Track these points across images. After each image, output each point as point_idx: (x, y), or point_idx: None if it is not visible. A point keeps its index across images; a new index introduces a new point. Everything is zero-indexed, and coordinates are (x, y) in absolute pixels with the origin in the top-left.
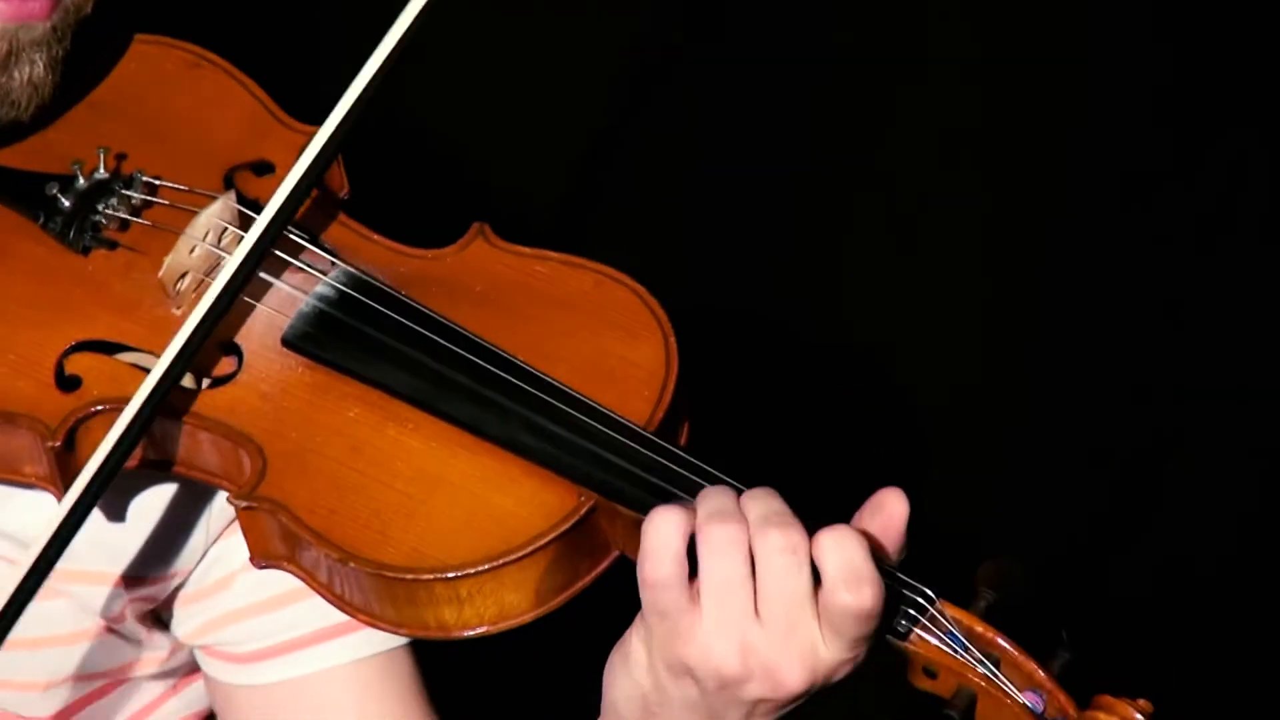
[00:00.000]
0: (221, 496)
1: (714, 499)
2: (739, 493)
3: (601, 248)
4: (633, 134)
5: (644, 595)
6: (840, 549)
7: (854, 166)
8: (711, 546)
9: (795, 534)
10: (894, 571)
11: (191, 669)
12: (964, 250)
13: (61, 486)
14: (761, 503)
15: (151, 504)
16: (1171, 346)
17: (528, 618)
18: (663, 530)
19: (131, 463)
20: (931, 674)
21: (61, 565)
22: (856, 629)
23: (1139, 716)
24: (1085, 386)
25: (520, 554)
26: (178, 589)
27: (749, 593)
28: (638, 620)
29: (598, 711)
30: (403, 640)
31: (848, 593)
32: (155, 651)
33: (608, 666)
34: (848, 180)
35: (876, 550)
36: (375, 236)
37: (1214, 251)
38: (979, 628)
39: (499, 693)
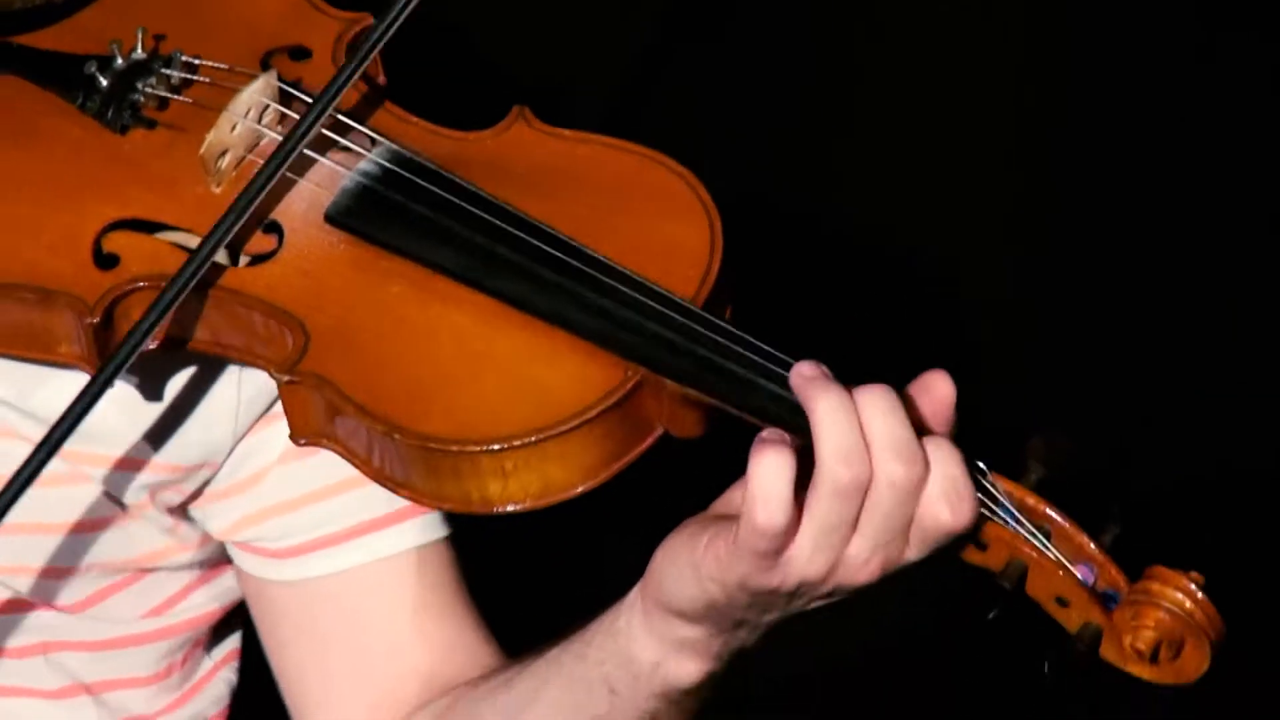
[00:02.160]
0: (251, 388)
1: (840, 426)
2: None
3: (642, 137)
4: (673, 26)
5: (744, 535)
6: (943, 465)
7: (891, 63)
8: (835, 488)
9: (919, 468)
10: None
11: (219, 561)
12: (1007, 131)
13: (98, 365)
14: (886, 422)
15: (180, 392)
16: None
17: (571, 493)
18: (774, 476)
19: (173, 338)
20: (982, 546)
21: (90, 448)
22: (946, 541)
23: (1192, 586)
24: (1136, 263)
25: (566, 427)
26: (205, 484)
27: (855, 520)
28: (718, 538)
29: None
30: (441, 534)
31: (948, 510)
32: (181, 543)
33: (667, 562)
34: (885, 75)
35: (932, 429)
36: (416, 119)
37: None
38: (1030, 500)
39: (533, 584)
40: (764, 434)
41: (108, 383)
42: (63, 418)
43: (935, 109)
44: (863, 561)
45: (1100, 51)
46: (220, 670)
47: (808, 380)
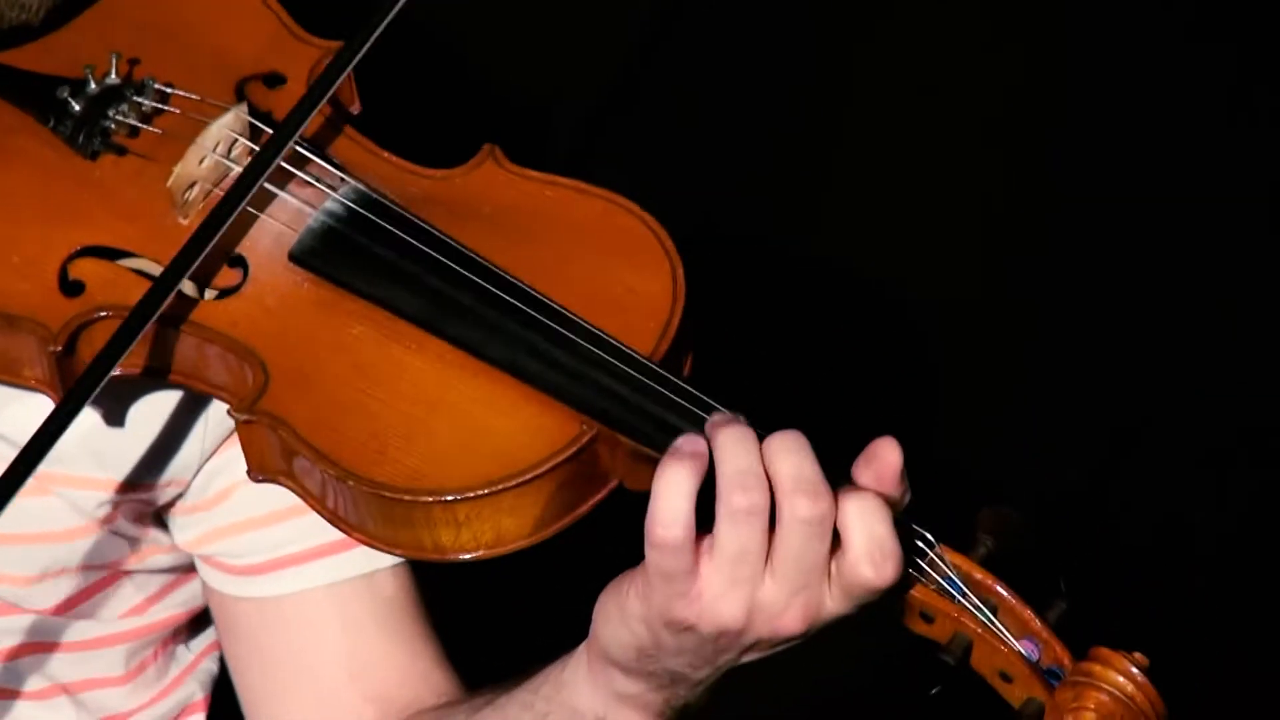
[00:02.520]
0: (219, 408)
1: (738, 455)
2: (759, 436)
3: (610, 176)
4: (644, 61)
5: (649, 555)
6: (866, 521)
7: (856, 90)
8: (732, 514)
9: (824, 503)
10: (896, 517)
11: (189, 568)
12: (969, 180)
13: (60, 391)
14: (791, 459)
15: (146, 412)
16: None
17: (524, 543)
18: (673, 492)
19: (134, 369)
20: (928, 619)
21: (51, 469)
22: (869, 597)
23: (1134, 670)
24: (1090, 337)
25: (519, 480)
26: (176, 499)
27: (763, 556)
28: (637, 574)
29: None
30: (399, 560)
31: (871, 568)
32: (151, 549)
33: (600, 610)
34: (852, 105)
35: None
36: (385, 154)
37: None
38: (978, 574)
39: (496, 609)
40: (676, 443)
41: (72, 414)
42: (26, 449)
43: (911, 155)
44: (782, 607)
45: (1091, 45)
46: (201, 661)
47: (715, 423)
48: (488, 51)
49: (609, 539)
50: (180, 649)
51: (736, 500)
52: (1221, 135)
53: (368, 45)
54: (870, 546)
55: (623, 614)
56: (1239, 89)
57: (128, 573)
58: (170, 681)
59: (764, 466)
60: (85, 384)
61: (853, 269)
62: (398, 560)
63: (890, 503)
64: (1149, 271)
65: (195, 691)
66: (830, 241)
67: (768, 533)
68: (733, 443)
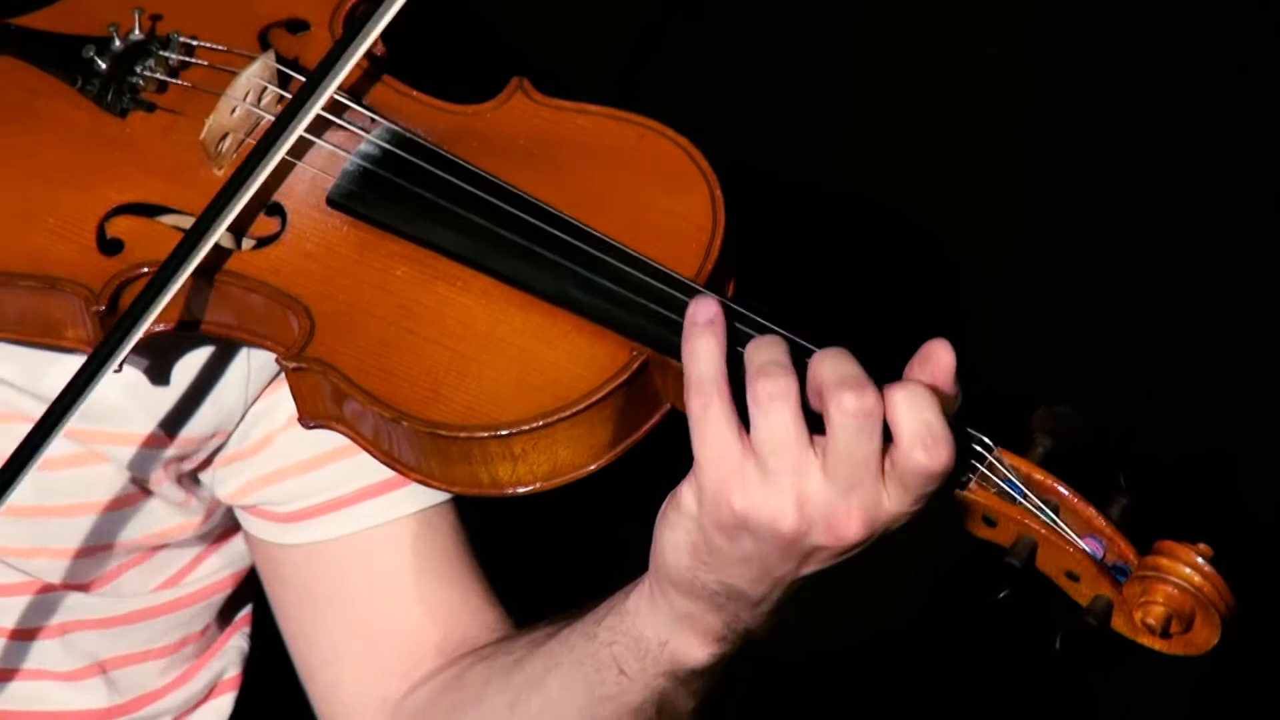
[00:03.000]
0: (260, 355)
1: (761, 351)
2: (792, 346)
3: (643, 107)
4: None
5: (694, 433)
6: (915, 408)
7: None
8: (757, 401)
9: (870, 397)
10: (953, 421)
11: (229, 529)
12: (1009, 100)
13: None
14: (833, 363)
15: (192, 365)
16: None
17: (581, 473)
18: (702, 355)
19: (180, 322)
20: (991, 522)
21: (100, 427)
22: (926, 486)
23: (1199, 560)
24: (1142, 241)
25: (573, 410)
26: (218, 450)
27: (804, 446)
28: (691, 473)
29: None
30: (445, 497)
31: (923, 453)
32: (192, 517)
33: (661, 519)
34: (894, 37)
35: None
36: (415, 93)
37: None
38: (1038, 475)
39: (542, 550)
40: (689, 313)
41: (103, 367)
42: (60, 397)
43: (939, 81)
44: (836, 507)
45: (1109, 40)
46: (232, 637)
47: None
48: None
49: (663, 470)
50: (212, 626)
51: (759, 387)
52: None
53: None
54: (922, 431)
55: (678, 513)
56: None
57: (164, 546)
58: (202, 658)
59: (810, 375)
60: (122, 335)
61: (889, 191)
62: (443, 499)
63: (944, 403)
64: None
65: (227, 668)
66: (868, 168)
67: (802, 422)
68: (757, 344)
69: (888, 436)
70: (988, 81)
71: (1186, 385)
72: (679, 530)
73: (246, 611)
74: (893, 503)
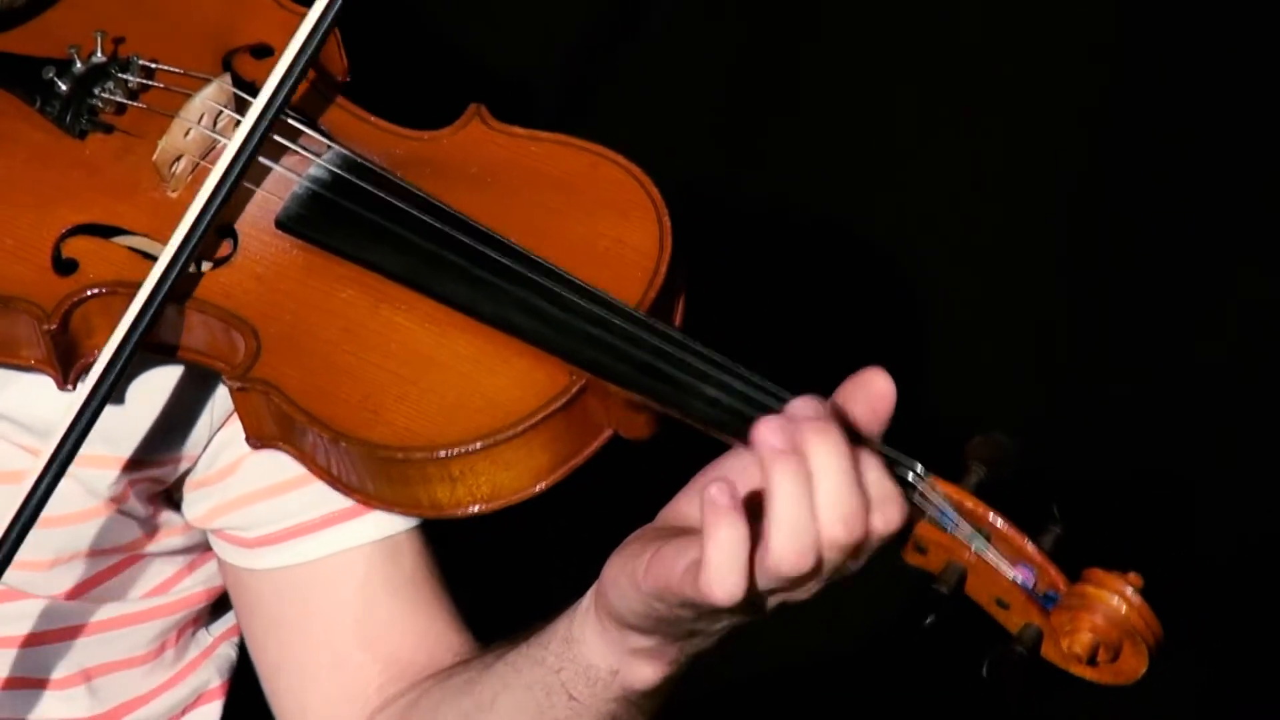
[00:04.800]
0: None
1: (795, 514)
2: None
3: (597, 130)
4: (629, 15)
5: (700, 593)
6: (874, 479)
7: (844, 49)
8: (779, 573)
9: (859, 530)
10: (884, 447)
11: (207, 547)
12: (957, 110)
13: (59, 369)
14: (832, 488)
15: (152, 387)
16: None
17: (521, 495)
18: (729, 554)
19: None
20: (921, 550)
21: None
22: (880, 545)
23: (1129, 590)
24: (1076, 262)
25: (511, 433)
26: (186, 473)
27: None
28: (649, 554)
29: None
30: (412, 523)
31: (880, 520)
32: (166, 530)
33: (611, 579)
34: (841, 58)
35: (863, 428)
36: (372, 119)
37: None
38: (969, 503)
39: (509, 567)
40: (712, 493)
41: (102, 404)
42: (61, 441)
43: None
44: (805, 588)
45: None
46: (220, 645)
47: (772, 454)
48: (472, 11)
49: (609, 489)
50: (200, 632)
51: (787, 560)
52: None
53: (318, 16)
54: (880, 497)
55: (639, 591)
56: None
57: (145, 555)
58: (187, 665)
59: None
60: (108, 374)
61: (833, 218)
62: (409, 525)
63: (878, 431)
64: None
65: (212, 678)
66: (815, 196)
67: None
68: (790, 494)
69: None
70: (936, 94)
71: (1123, 413)
72: (638, 603)
73: (235, 621)
74: (851, 567)
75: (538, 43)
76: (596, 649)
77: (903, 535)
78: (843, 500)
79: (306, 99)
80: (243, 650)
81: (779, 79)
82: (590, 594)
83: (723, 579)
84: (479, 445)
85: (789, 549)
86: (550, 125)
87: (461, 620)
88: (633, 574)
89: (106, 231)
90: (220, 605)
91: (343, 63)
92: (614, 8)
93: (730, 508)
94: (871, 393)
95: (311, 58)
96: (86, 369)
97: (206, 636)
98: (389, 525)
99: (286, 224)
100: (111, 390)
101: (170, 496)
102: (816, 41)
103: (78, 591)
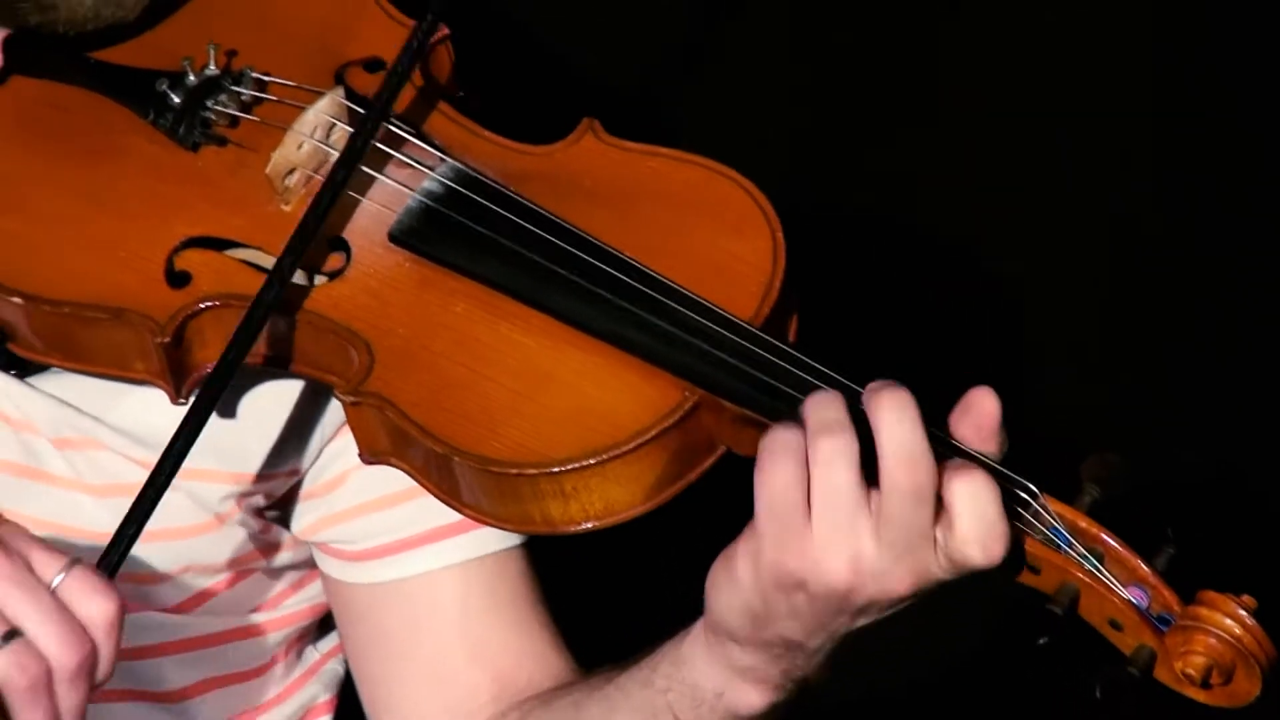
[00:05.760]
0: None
1: (821, 410)
2: (852, 396)
3: (707, 145)
4: (739, 30)
5: (760, 515)
6: (975, 504)
7: (957, 66)
8: (817, 458)
9: (922, 474)
10: (998, 466)
11: (313, 565)
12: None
13: (172, 382)
14: (890, 428)
15: (264, 401)
16: None
17: (634, 513)
18: (779, 455)
19: (248, 361)
20: (1035, 570)
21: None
22: (974, 570)
23: (1241, 611)
24: (1196, 287)
25: (625, 449)
26: (295, 486)
27: (861, 505)
28: (745, 534)
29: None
30: (516, 540)
31: (978, 550)
32: (274, 545)
33: (711, 580)
34: (952, 74)
35: (975, 446)
36: (485, 133)
37: None
38: (1083, 523)
39: (609, 594)
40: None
41: (208, 411)
42: (165, 455)
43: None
44: (888, 567)
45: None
46: (327, 662)
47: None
48: (582, 26)
49: (719, 510)
50: (308, 648)
51: (821, 446)
52: None
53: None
54: (979, 530)
55: (732, 579)
56: None
57: (253, 570)
58: (295, 680)
59: (872, 423)
60: (215, 381)
61: (945, 232)
62: (512, 543)
63: (989, 453)
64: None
65: (320, 693)
66: (927, 209)
67: (861, 475)
68: (817, 402)
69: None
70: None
71: (1243, 437)
72: (734, 595)
73: None
74: (941, 571)
75: (644, 57)
76: (703, 669)
77: (1017, 556)
78: (900, 432)
79: (418, 113)
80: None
81: (884, 92)
82: (703, 615)
83: (770, 484)
84: (593, 461)
85: (824, 434)
86: (657, 140)
87: (562, 642)
88: (728, 562)
89: (219, 244)
90: (327, 622)
91: (452, 78)
92: (716, 22)
93: (787, 427)
94: (978, 411)
95: (417, 66)
96: (199, 383)
97: (314, 653)
98: (493, 542)
99: (400, 237)
100: (216, 403)
101: (278, 511)
102: (930, 50)
103: (190, 605)
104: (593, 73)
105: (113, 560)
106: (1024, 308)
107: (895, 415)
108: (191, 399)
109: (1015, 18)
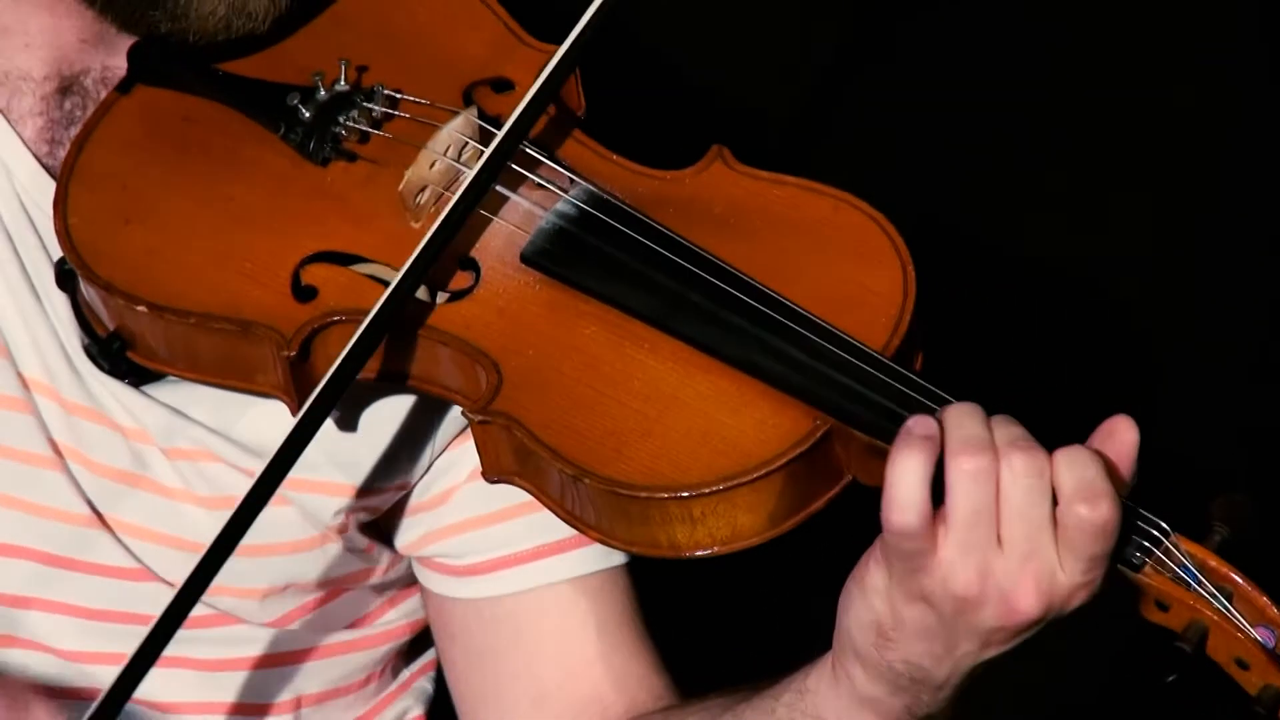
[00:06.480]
0: (449, 409)
1: (966, 424)
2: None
3: (836, 173)
4: (869, 55)
5: (888, 540)
6: (1075, 465)
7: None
8: (963, 476)
9: (1040, 458)
10: (1130, 503)
11: (408, 582)
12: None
13: (295, 396)
14: (1005, 429)
15: (383, 416)
16: None
17: (758, 539)
18: (907, 475)
19: (369, 375)
20: (1164, 607)
21: (297, 474)
22: (1093, 546)
23: None
24: None
25: (755, 475)
26: (403, 500)
27: (994, 520)
28: (876, 548)
29: (827, 638)
30: (620, 559)
31: (1085, 506)
32: (373, 564)
33: (844, 594)
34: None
35: (1112, 476)
36: (614, 156)
37: None
38: (1213, 562)
39: (715, 618)
40: (907, 424)
41: (318, 422)
42: (273, 462)
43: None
44: (1015, 579)
45: None
46: (418, 679)
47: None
48: (710, 53)
49: (837, 540)
50: (397, 663)
51: (964, 464)
52: None
53: (568, 47)
54: (1082, 486)
55: (863, 590)
56: None
57: (344, 591)
58: (387, 696)
59: None
60: (329, 391)
61: (1075, 265)
62: (617, 562)
63: (1119, 483)
64: None
65: (412, 707)
66: (1055, 241)
67: (995, 500)
68: (959, 413)
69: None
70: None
71: None
72: (864, 607)
73: (433, 655)
74: (1066, 573)
75: (769, 84)
76: (828, 700)
77: (1142, 593)
78: (1013, 429)
79: (550, 135)
80: (439, 684)
81: (1015, 123)
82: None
83: (900, 504)
84: (722, 487)
85: (963, 449)
86: (783, 169)
87: (662, 664)
88: (860, 574)
89: (347, 259)
90: (419, 640)
91: (581, 100)
92: (840, 48)
93: (915, 437)
94: (1119, 440)
95: (558, 86)
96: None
97: (406, 670)
98: (598, 561)
99: (532, 258)
100: (328, 411)
101: (381, 526)
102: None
103: (286, 620)
104: (719, 99)
105: (205, 572)
106: (1158, 350)
107: (1001, 418)
108: (302, 411)
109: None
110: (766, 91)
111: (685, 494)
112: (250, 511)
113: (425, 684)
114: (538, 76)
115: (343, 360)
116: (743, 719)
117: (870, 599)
